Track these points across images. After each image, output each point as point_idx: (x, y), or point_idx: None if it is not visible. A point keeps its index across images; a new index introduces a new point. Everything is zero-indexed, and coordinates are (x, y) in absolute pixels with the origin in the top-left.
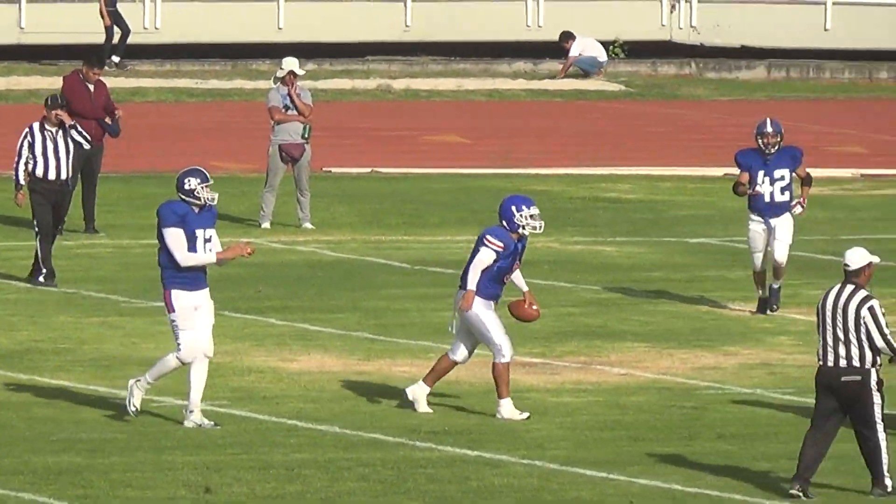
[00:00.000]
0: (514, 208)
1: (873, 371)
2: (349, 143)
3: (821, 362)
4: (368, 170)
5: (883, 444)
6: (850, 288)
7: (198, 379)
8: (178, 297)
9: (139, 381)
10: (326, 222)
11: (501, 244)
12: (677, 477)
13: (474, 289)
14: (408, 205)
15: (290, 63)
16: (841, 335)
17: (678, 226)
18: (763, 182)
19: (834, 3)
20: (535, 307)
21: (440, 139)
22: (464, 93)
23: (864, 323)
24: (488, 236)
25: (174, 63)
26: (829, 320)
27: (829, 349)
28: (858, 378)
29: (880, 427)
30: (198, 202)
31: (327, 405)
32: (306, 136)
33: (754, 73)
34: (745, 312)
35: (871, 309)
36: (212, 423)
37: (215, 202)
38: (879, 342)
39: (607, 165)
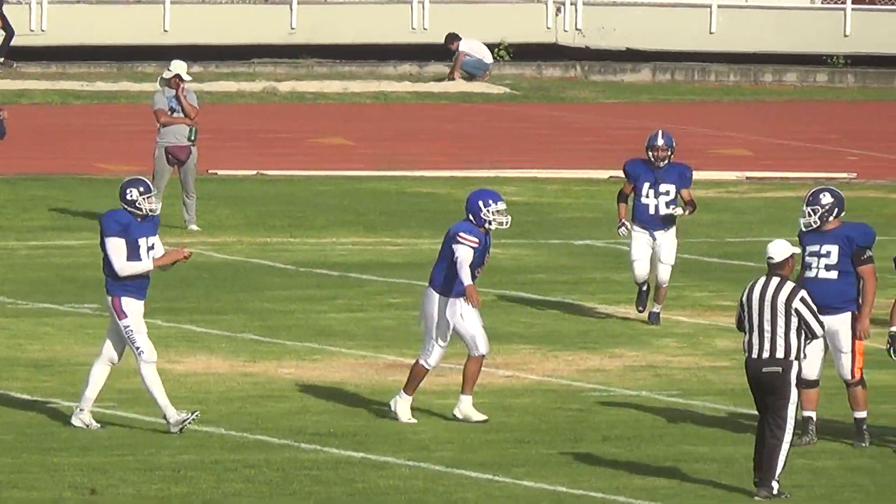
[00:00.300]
0: (481, 203)
1: (795, 364)
2: (235, 146)
3: (747, 355)
4: (254, 172)
5: (785, 446)
6: (776, 280)
7: (99, 379)
8: (129, 303)
9: (167, 418)
10: (212, 224)
11: (475, 239)
12: (563, 479)
13: (472, 282)
14: (293, 207)
15: (178, 66)
16: (767, 327)
17: (564, 228)
18: (648, 194)
19: (719, 6)
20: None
21: (326, 142)
22: (349, 95)
23: (799, 314)
24: (461, 233)
25: (60, 65)
26: (755, 312)
27: (755, 341)
28: (779, 370)
29: (790, 425)
30: (139, 212)
31: (213, 406)
32: (192, 138)
33: (639, 76)
34: (630, 314)
35: (803, 300)
36: (98, 425)
37: (156, 213)
38: (819, 330)
39: (492, 168)
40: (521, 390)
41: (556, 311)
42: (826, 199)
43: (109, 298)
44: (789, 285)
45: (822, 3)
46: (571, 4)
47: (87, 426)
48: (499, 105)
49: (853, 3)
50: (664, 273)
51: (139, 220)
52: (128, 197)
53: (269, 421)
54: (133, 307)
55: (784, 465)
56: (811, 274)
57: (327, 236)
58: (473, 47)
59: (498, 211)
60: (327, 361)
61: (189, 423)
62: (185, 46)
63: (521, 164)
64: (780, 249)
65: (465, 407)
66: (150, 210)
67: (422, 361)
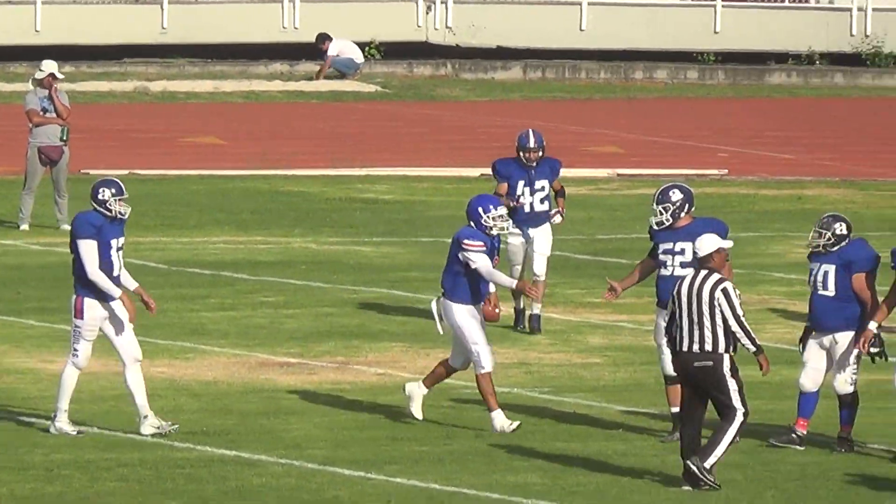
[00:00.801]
0: (480, 209)
1: (726, 357)
2: (107, 145)
3: (677, 349)
4: (126, 172)
5: (729, 436)
6: (703, 273)
7: (138, 386)
8: (91, 306)
9: (55, 416)
10: None
11: (480, 242)
12: (435, 476)
13: (517, 278)
14: (165, 206)
15: (50, 66)
16: (696, 319)
17: (435, 226)
18: (524, 193)
19: (589, 4)
20: (497, 310)
21: (197, 141)
22: (221, 94)
23: (719, 304)
24: (465, 240)
25: None
26: (684, 306)
27: (685, 335)
28: (710, 363)
29: (739, 413)
30: (108, 213)
31: (87, 406)
32: (65, 138)
33: (510, 74)
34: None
35: (724, 290)
36: (174, 426)
37: (126, 216)
38: (733, 324)
39: (364, 166)
40: (394, 388)
41: (428, 309)
42: (676, 195)
43: (73, 297)
44: (715, 276)
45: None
46: (441, 3)
47: (161, 429)
48: (370, 103)
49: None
50: (540, 264)
51: (109, 221)
52: (99, 196)
53: None
54: (94, 312)
55: (721, 455)
56: (666, 272)
57: (200, 235)
58: (344, 47)
59: (499, 216)
60: (200, 360)
61: (64, 431)
62: (56, 46)
63: (393, 162)
64: (706, 244)
65: (497, 422)
66: (120, 213)
67: (450, 362)
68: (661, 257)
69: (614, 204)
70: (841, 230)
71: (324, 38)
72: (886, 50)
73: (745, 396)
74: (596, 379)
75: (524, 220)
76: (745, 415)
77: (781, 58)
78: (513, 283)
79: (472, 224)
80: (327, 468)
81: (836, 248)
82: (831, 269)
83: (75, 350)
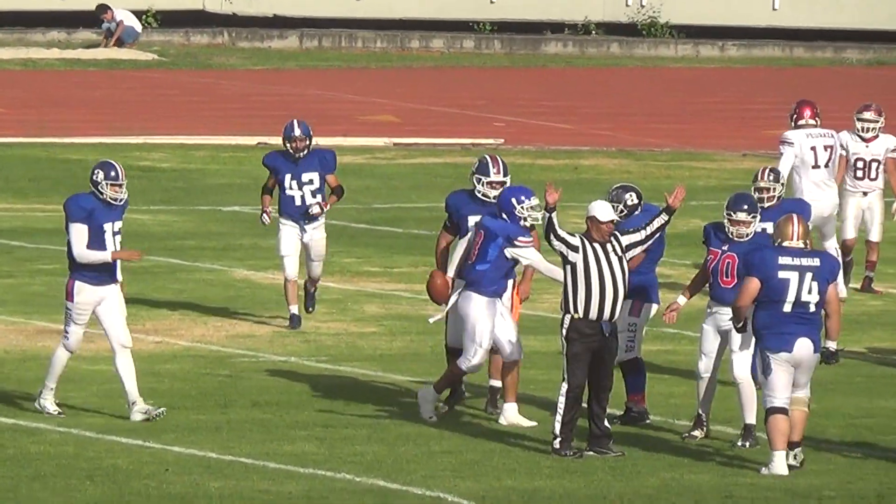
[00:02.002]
0: (514, 201)
1: (566, 318)
2: None
3: (581, 316)
4: None
5: (560, 401)
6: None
7: (127, 371)
8: (82, 290)
9: (41, 392)
10: None
11: (529, 239)
12: (213, 445)
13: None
14: None
15: None
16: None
17: (212, 194)
18: (292, 186)
19: None
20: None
21: None
22: None
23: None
24: (518, 238)
25: None
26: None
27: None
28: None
29: (564, 381)
30: (100, 195)
31: None
32: None
33: (287, 43)
34: (279, 280)
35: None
36: (161, 410)
37: (121, 202)
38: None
39: (141, 134)
40: (171, 356)
41: (206, 277)
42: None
43: (66, 280)
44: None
45: None
46: None
47: (147, 416)
48: (147, 72)
49: None
50: (316, 269)
51: (104, 204)
52: (93, 177)
53: None
54: (85, 296)
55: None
56: None
57: None
58: (123, 15)
59: (532, 207)
60: None
61: (49, 413)
62: None
63: (170, 130)
64: (604, 210)
65: (511, 415)
66: (112, 198)
67: (462, 365)
68: None
69: (390, 173)
70: (632, 200)
71: (104, 7)
72: (662, 20)
73: (573, 367)
74: (373, 348)
75: (295, 213)
76: (569, 386)
77: (558, 28)
78: (561, 273)
79: (504, 216)
80: (105, 437)
81: (629, 219)
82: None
83: (66, 332)
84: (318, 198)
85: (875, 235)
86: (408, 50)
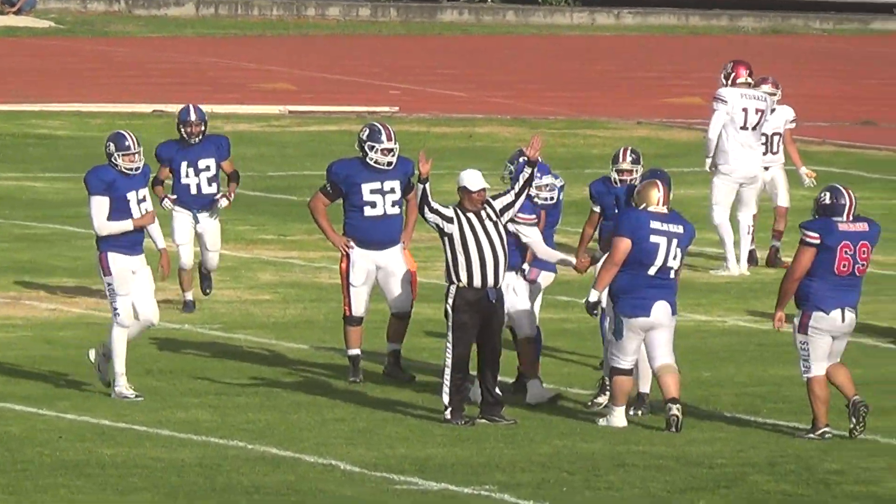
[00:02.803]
0: None
1: (451, 288)
2: None
3: (466, 284)
4: None
5: (446, 371)
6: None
7: (128, 342)
8: (115, 260)
9: (114, 381)
10: None
11: (532, 216)
12: (106, 412)
13: (563, 256)
14: None
15: None
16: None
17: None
18: (188, 174)
19: None
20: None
21: None
22: None
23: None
24: (521, 214)
25: None
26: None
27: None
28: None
29: (449, 350)
30: (115, 167)
31: None
32: None
33: (183, 10)
34: (172, 248)
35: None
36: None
37: (137, 171)
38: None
39: (38, 102)
40: (63, 324)
41: None
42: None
43: (97, 255)
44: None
45: None
46: None
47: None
48: (44, 39)
49: None
50: (212, 260)
51: (123, 174)
52: (107, 150)
53: None
54: (120, 264)
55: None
56: None
57: None
58: None
59: (544, 185)
60: None
61: (127, 398)
62: None
63: (67, 98)
64: (474, 179)
65: (535, 392)
66: (127, 169)
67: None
68: None
69: (285, 141)
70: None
71: None
72: None
73: (459, 336)
74: (266, 316)
75: (191, 202)
76: (455, 356)
77: None
78: (564, 257)
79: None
80: None
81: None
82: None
83: (115, 309)
84: (215, 187)
85: (783, 200)
86: (304, 18)
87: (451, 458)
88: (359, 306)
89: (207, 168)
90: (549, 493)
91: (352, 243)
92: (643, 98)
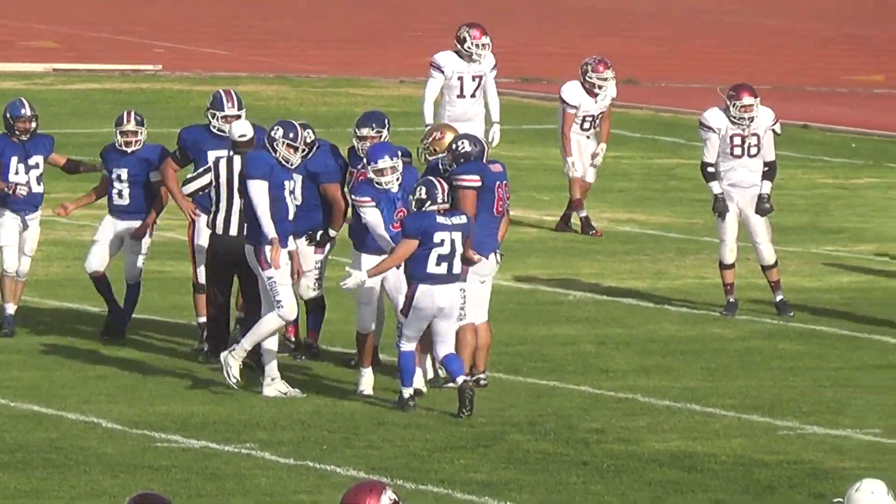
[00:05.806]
0: (367, 159)
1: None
2: None
3: (212, 231)
4: None
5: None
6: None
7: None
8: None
9: (233, 350)
10: None
11: (368, 198)
12: None
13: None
14: None
15: None
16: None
17: None
18: (18, 171)
19: None
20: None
21: None
22: None
23: None
24: (354, 195)
25: None
26: (223, 191)
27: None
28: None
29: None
30: (273, 153)
31: None
32: None
33: None
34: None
35: None
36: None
37: (293, 166)
38: None
39: None
40: None
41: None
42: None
43: (253, 249)
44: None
45: None
46: None
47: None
48: None
49: None
50: (26, 265)
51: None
52: (271, 133)
53: None
54: (280, 258)
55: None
56: None
57: None
58: None
59: (378, 170)
60: None
61: (283, 394)
62: None
63: None
64: (246, 128)
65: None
66: (285, 159)
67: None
68: None
69: (50, 99)
70: (310, 137)
71: None
72: None
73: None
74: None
75: (17, 202)
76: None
77: None
78: (389, 245)
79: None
80: None
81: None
82: (298, 179)
83: (279, 303)
84: (42, 187)
85: (591, 177)
86: None
87: (213, 416)
88: (202, 273)
89: (37, 165)
90: (309, 451)
91: (198, 210)
92: (406, 56)
